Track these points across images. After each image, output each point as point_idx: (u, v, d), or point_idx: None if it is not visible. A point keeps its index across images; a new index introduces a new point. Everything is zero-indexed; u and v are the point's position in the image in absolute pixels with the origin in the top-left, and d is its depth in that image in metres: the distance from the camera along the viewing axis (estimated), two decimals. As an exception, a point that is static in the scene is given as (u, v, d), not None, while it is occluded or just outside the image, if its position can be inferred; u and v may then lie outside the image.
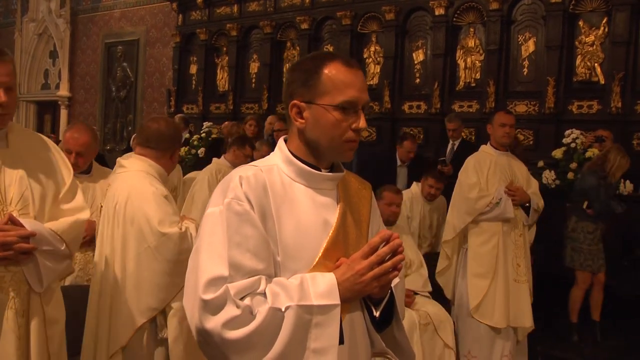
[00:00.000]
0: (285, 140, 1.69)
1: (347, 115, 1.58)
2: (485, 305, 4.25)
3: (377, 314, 1.63)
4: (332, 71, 1.58)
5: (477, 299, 4.23)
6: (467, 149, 6.72)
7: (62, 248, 2.25)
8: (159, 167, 2.84)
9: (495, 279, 4.24)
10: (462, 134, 7.69)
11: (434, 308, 4.25)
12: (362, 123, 1.59)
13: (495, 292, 4.23)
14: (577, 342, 5.23)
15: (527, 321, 4.29)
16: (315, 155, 1.63)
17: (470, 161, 4.44)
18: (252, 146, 5.51)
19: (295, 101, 1.61)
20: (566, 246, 5.37)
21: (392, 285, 1.64)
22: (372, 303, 1.65)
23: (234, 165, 5.19)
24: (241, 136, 6.03)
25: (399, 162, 6.41)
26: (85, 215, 2.39)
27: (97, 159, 3.63)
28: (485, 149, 4.46)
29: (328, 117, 1.57)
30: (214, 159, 5.52)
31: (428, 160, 6.71)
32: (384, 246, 1.52)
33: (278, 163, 1.64)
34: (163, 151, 2.88)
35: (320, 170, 1.64)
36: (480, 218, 4.28)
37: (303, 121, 1.61)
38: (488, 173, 4.32)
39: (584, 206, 5.23)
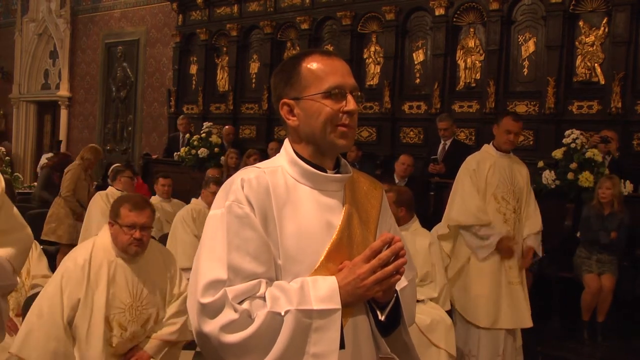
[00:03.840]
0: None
1: (336, 101, 1.57)
2: (475, 307, 4.28)
3: (382, 317, 1.61)
4: (310, 63, 1.60)
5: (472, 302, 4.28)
6: (459, 148, 6.76)
7: None
8: None
9: (492, 283, 4.26)
10: (462, 134, 7.71)
11: (431, 310, 4.19)
12: (351, 105, 1.58)
13: (491, 295, 4.25)
14: (578, 342, 5.23)
15: (527, 322, 4.30)
16: (317, 152, 1.62)
17: (470, 162, 4.37)
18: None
19: (284, 100, 1.62)
20: None
21: (398, 288, 1.62)
22: (378, 306, 1.62)
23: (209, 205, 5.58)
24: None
25: (396, 180, 6.35)
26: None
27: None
28: (487, 149, 4.41)
29: (317, 106, 1.57)
30: (193, 199, 5.99)
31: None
32: (386, 249, 1.50)
33: (283, 164, 1.62)
34: None
35: (326, 171, 1.62)
36: (466, 233, 4.29)
37: (295, 118, 1.61)
38: (487, 174, 4.27)
39: (577, 235, 5.53)
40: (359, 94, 1.62)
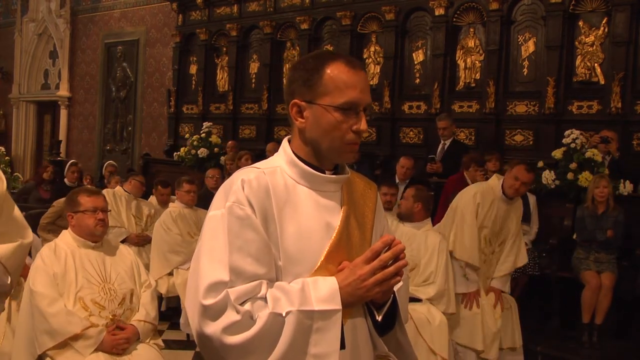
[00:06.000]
0: (289, 141, 1.67)
1: (348, 116, 1.55)
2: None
3: (379, 318, 1.62)
4: (334, 71, 1.56)
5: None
6: (458, 148, 6.76)
7: None
8: None
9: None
10: (462, 134, 7.71)
11: (424, 310, 4.17)
12: (362, 125, 1.56)
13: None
14: (577, 343, 5.23)
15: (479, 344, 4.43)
16: (317, 156, 1.61)
17: (476, 195, 4.30)
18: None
19: (295, 100, 1.59)
20: None
21: (395, 288, 1.62)
22: (375, 307, 1.63)
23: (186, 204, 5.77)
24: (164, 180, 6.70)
25: (397, 180, 6.40)
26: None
27: None
28: (494, 185, 4.36)
29: (328, 117, 1.55)
30: (171, 203, 6.04)
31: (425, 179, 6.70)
32: (386, 251, 1.50)
33: (281, 165, 1.62)
34: None
35: (324, 172, 1.62)
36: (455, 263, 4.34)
37: (303, 120, 1.59)
38: (487, 213, 4.29)
39: (573, 237, 5.53)
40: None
